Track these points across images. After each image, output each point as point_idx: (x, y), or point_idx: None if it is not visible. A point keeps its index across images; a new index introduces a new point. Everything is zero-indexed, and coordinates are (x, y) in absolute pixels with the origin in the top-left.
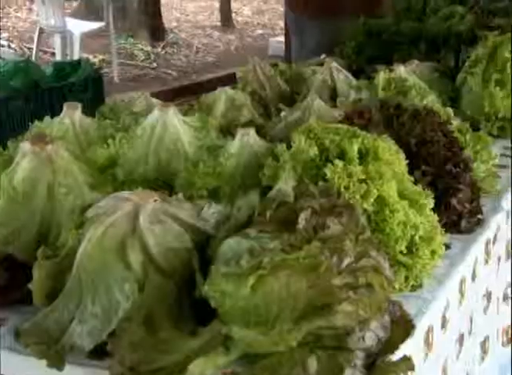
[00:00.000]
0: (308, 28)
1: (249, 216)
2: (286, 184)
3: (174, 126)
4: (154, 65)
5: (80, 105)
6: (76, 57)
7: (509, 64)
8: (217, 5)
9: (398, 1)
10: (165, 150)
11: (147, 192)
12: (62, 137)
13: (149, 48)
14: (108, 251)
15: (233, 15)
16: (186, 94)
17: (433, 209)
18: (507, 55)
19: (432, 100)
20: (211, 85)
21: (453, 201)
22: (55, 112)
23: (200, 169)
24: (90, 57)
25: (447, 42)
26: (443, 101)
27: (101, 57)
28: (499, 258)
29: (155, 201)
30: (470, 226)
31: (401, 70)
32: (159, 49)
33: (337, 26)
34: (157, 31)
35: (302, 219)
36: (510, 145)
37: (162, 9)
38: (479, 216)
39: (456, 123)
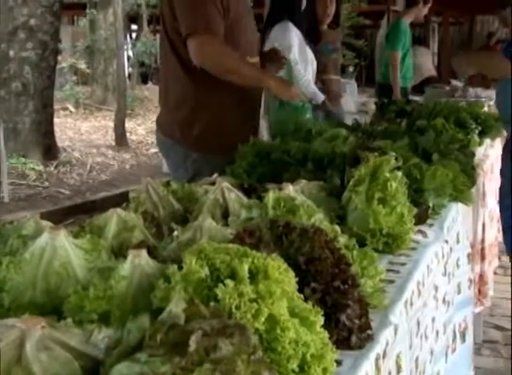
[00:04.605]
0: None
1: (140, 340)
2: (176, 306)
3: (64, 249)
4: (47, 184)
5: None
6: None
7: (389, 183)
8: (111, 124)
9: (285, 125)
10: (54, 274)
11: (34, 318)
12: None
13: (41, 168)
14: None
15: (128, 134)
16: (79, 212)
17: (323, 326)
18: (387, 174)
19: (319, 218)
20: (104, 204)
21: (343, 318)
22: None
23: (90, 292)
24: None
25: (332, 162)
26: (331, 219)
27: None
28: (389, 373)
29: (43, 327)
30: (360, 342)
31: (290, 189)
32: (52, 168)
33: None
34: (50, 150)
35: (193, 342)
36: (395, 261)
37: (56, 129)
38: (369, 332)
39: (343, 239)
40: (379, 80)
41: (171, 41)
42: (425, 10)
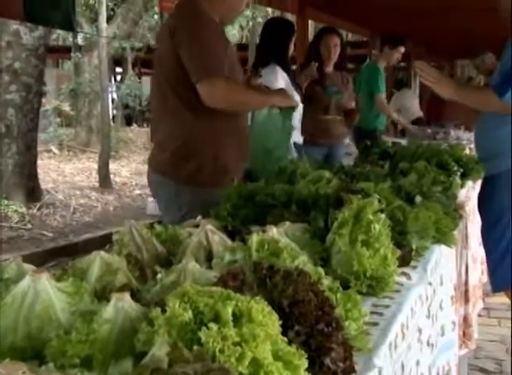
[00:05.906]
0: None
1: None
2: (159, 350)
3: (46, 293)
4: (29, 226)
5: None
6: None
7: (373, 225)
8: (95, 166)
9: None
10: (36, 318)
11: (15, 363)
12: None
13: (24, 210)
14: None
15: (112, 176)
16: (62, 255)
17: (308, 369)
18: (371, 216)
19: (303, 260)
20: (88, 246)
21: (327, 361)
22: None
23: (72, 336)
24: None
25: (316, 204)
26: (314, 261)
27: None
28: None
29: (23, 373)
30: None
31: (274, 232)
32: (35, 210)
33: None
34: (33, 192)
35: None
36: (379, 303)
37: (39, 171)
38: None
39: (327, 282)
40: (359, 125)
41: (171, 84)
42: (396, 55)
